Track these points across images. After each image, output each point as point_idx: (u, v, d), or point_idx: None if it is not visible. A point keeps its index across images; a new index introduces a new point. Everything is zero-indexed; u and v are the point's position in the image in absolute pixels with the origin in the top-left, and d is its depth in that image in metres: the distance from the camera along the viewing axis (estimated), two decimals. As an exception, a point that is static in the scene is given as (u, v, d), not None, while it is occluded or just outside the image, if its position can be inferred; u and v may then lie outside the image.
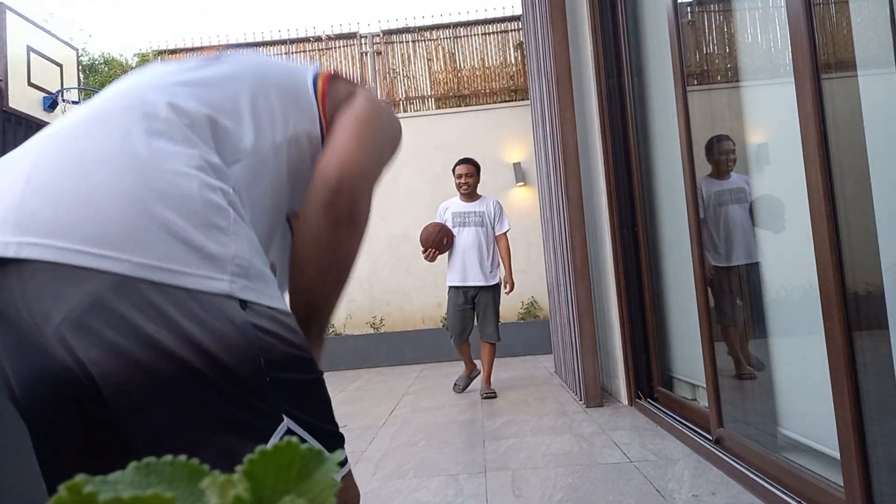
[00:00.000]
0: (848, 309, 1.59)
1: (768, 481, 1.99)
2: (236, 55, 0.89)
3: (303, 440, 0.70)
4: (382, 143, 0.92)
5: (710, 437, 2.48)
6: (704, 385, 2.55)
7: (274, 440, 0.68)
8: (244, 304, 0.69)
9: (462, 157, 4.58)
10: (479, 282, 4.39)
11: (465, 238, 4.42)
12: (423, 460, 2.81)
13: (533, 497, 2.20)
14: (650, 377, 3.45)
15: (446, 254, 4.50)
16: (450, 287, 4.49)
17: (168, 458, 0.24)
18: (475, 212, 4.48)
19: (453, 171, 4.58)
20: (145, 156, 0.69)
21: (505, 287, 4.48)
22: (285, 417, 0.70)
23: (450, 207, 4.57)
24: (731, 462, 2.22)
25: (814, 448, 1.93)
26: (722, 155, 2.57)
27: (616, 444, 2.79)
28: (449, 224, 4.46)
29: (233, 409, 0.67)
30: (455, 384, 4.65)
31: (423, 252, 4.39)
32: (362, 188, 0.84)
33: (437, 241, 4.36)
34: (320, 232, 0.81)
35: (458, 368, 6.15)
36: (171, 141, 0.72)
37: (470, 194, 4.51)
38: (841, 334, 1.58)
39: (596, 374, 3.71)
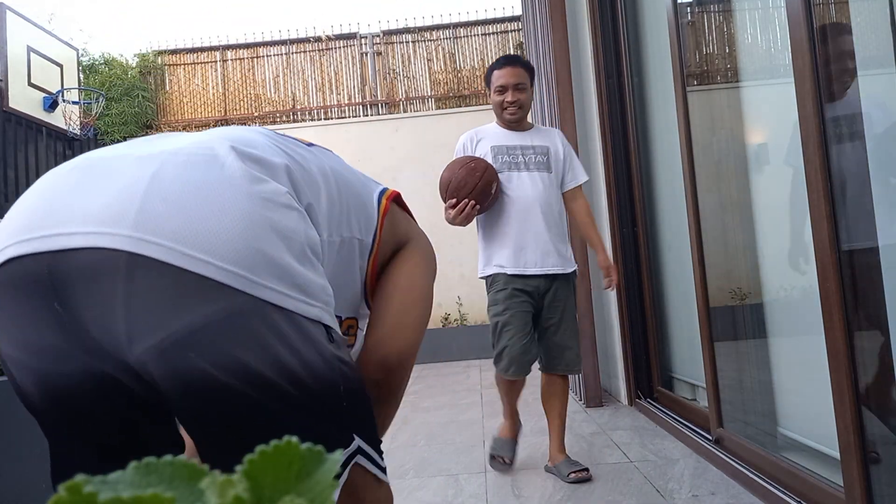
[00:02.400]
0: (848, 309, 1.59)
1: (768, 481, 1.99)
2: (323, 150, 0.96)
3: (370, 457, 0.78)
4: (430, 307, 1.04)
5: (710, 437, 2.48)
6: (704, 385, 2.55)
7: (343, 457, 0.74)
8: (328, 329, 0.75)
9: (505, 56, 2.57)
10: (553, 267, 2.43)
11: (524, 190, 2.43)
12: (423, 460, 2.81)
13: (533, 497, 2.20)
14: (650, 377, 3.45)
15: (474, 220, 2.46)
16: (494, 276, 2.44)
17: (168, 457, 0.24)
18: (536, 146, 2.50)
19: (487, 80, 2.55)
20: (259, 189, 0.72)
21: (606, 279, 2.57)
22: (355, 437, 0.76)
23: (485, 138, 2.52)
24: (731, 462, 2.22)
25: (814, 448, 1.93)
26: (836, 63, 1.65)
27: (616, 444, 2.79)
28: None
29: (313, 426, 0.72)
30: (496, 455, 2.53)
31: (454, 206, 2.33)
32: (411, 363, 0.98)
33: (483, 186, 2.33)
34: (371, 391, 0.90)
35: (457, 369, 6.09)
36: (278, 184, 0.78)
37: (520, 120, 2.53)
38: (841, 334, 1.58)
39: (596, 374, 3.71)
